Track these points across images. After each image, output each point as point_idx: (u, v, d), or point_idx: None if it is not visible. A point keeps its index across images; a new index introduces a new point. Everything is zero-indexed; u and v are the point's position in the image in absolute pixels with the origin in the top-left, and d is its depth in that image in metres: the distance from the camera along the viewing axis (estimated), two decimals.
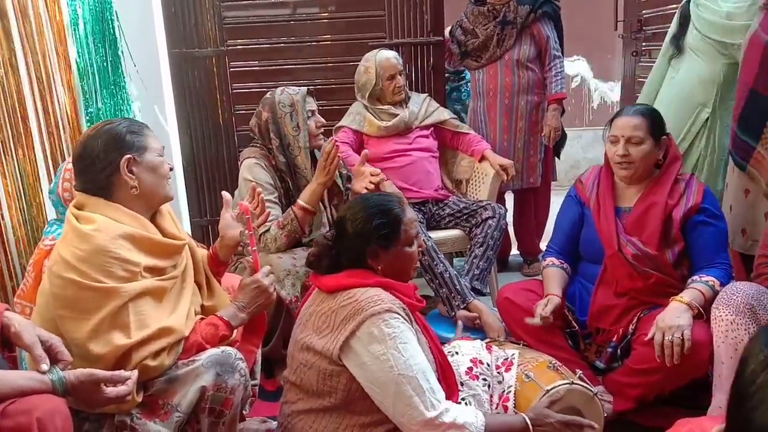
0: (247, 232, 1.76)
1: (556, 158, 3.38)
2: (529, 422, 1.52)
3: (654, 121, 2.00)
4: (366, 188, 2.23)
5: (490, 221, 2.66)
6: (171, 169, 1.64)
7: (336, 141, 2.25)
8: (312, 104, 2.35)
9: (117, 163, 1.50)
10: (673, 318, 1.80)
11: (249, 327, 1.76)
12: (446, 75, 3.42)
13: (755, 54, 2.09)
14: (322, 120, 2.38)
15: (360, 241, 1.53)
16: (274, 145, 2.30)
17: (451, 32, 3.21)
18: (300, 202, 2.25)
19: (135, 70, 2.73)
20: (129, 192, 1.52)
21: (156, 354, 1.44)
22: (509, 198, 3.42)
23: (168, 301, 1.54)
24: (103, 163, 1.50)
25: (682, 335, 1.76)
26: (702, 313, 1.81)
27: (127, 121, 1.59)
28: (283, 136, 2.30)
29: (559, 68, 3.08)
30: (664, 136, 2.01)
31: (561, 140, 3.27)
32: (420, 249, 1.62)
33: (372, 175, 2.26)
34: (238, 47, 3.09)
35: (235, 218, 1.80)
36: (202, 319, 1.61)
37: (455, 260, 3.31)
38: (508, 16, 2.99)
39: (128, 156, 1.51)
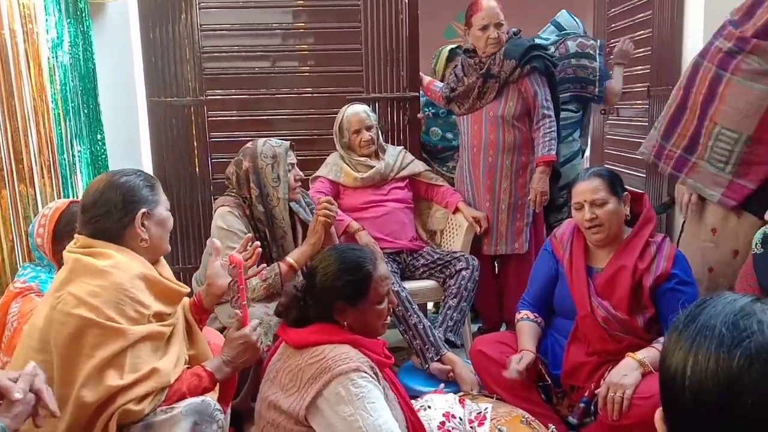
0: (237, 285, 1.73)
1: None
2: None
3: (612, 180, 2.04)
4: (320, 218, 2.26)
5: (463, 272, 2.68)
6: None
7: (328, 209, 2.29)
8: (292, 158, 2.38)
9: (133, 216, 1.54)
10: (620, 376, 1.84)
11: (220, 385, 1.73)
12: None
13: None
14: (301, 174, 2.41)
15: (327, 295, 1.53)
16: (253, 195, 2.30)
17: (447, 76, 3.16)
18: (289, 259, 2.25)
19: (112, 117, 2.74)
20: (138, 244, 1.55)
21: (141, 399, 1.44)
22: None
23: (161, 347, 1.54)
24: (120, 214, 1.53)
25: (623, 394, 1.79)
26: (653, 371, 1.83)
27: (141, 173, 1.63)
28: (262, 187, 2.31)
29: (548, 128, 2.79)
30: (625, 193, 2.05)
31: (552, 204, 2.96)
32: (390, 306, 1.60)
33: (319, 202, 2.30)
34: (217, 97, 3.13)
35: (229, 271, 1.77)
36: (188, 368, 1.60)
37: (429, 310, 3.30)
38: (492, 70, 2.81)
39: (144, 210, 1.55)
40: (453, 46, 3.42)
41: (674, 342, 0.72)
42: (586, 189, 2.03)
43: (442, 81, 3.25)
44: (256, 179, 2.30)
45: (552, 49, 3.14)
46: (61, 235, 1.84)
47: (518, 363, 1.96)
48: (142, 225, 1.55)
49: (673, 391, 0.71)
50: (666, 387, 0.72)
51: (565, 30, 3.31)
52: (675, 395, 0.70)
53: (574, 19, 3.35)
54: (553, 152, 2.80)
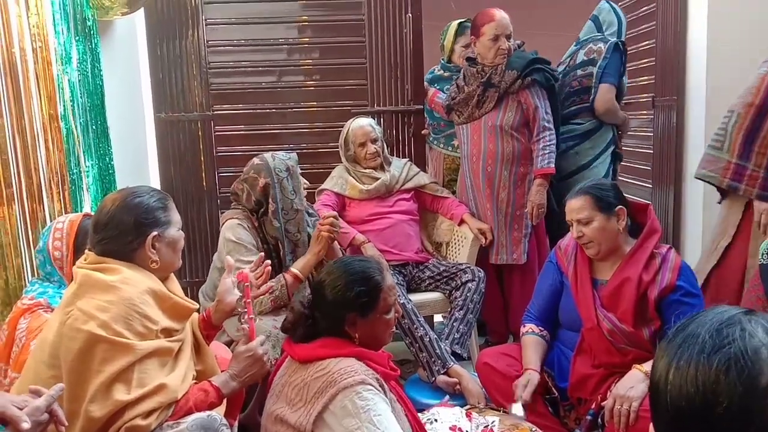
0: (244, 300, 1.74)
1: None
2: None
3: (599, 196, 2.02)
4: (323, 233, 2.29)
5: (469, 284, 2.68)
6: None
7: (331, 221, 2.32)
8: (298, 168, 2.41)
9: (144, 239, 1.56)
10: (626, 388, 1.83)
11: (227, 399, 1.74)
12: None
13: None
14: (308, 182, 2.44)
15: (338, 308, 1.53)
16: (270, 210, 2.31)
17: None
18: (293, 269, 2.27)
19: (120, 133, 2.77)
20: (148, 264, 1.57)
21: (148, 414, 1.44)
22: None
23: (169, 362, 1.55)
24: (131, 237, 1.55)
25: (630, 407, 1.78)
26: None
27: (155, 192, 1.64)
28: (279, 201, 2.32)
29: (548, 141, 2.79)
30: (619, 206, 2.02)
31: (553, 217, 2.88)
32: (397, 315, 1.62)
33: (324, 218, 2.32)
34: (224, 112, 3.16)
35: (236, 286, 1.79)
36: (196, 383, 1.61)
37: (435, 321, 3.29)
38: (493, 79, 2.82)
39: (155, 233, 1.57)
40: (462, 20, 3.25)
41: (662, 350, 0.73)
42: (573, 208, 2.04)
43: (450, 57, 3.27)
44: (275, 194, 2.31)
45: (568, 60, 3.08)
46: (81, 248, 1.84)
47: (524, 390, 1.95)
48: (153, 247, 1.57)
49: (657, 397, 0.71)
50: (651, 394, 0.73)
51: (602, 27, 3.10)
52: (658, 401, 0.71)
53: (615, 12, 3.10)
54: (552, 165, 2.80)
